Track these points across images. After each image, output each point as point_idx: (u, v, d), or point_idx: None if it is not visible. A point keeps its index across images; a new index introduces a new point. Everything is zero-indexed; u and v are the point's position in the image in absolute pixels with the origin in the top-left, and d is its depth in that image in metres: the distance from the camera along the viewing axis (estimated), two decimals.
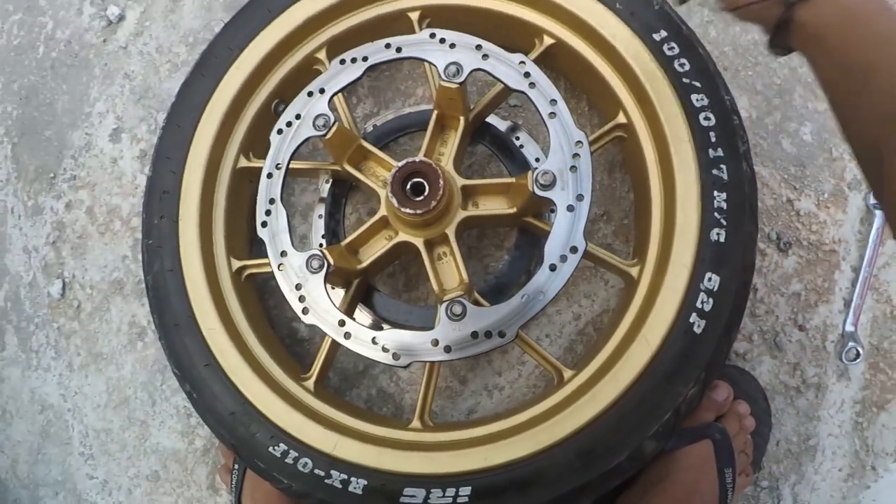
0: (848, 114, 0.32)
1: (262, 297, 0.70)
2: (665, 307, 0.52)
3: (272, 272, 0.68)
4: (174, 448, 0.72)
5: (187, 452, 0.72)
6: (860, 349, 0.66)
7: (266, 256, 0.68)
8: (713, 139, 0.53)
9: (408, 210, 0.51)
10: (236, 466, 0.64)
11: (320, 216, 0.68)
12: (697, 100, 0.54)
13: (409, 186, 0.53)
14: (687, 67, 0.55)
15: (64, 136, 0.79)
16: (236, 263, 0.61)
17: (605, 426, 0.50)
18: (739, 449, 0.60)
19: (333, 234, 0.67)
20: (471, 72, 0.53)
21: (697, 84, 0.54)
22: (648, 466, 0.56)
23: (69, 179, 0.79)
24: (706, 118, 0.54)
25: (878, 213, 0.68)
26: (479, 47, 0.54)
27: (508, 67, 0.53)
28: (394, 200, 0.52)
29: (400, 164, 0.53)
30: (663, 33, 0.56)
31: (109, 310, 0.76)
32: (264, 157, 0.63)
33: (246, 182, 0.65)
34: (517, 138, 0.66)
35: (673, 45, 0.55)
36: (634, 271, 0.56)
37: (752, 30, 0.71)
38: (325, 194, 0.68)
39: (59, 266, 0.78)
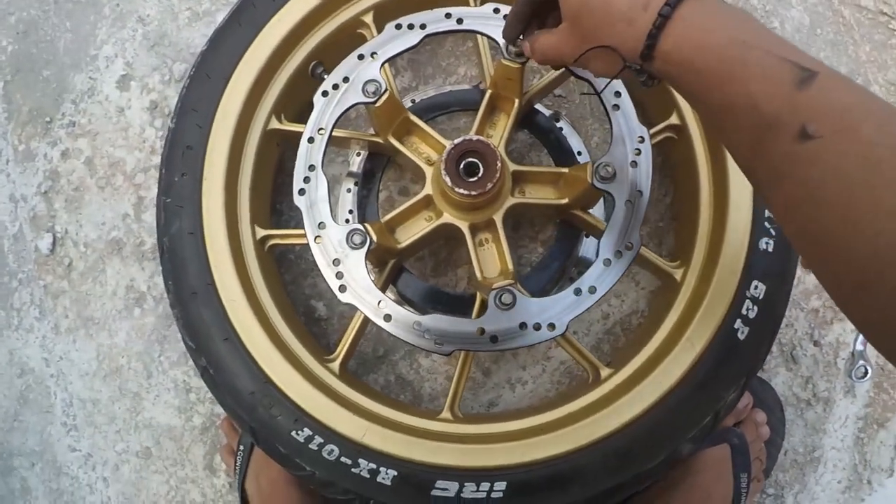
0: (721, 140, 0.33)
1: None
2: (711, 312, 0.51)
3: (296, 245, 0.65)
4: (169, 424, 0.68)
5: (184, 430, 0.68)
6: (869, 368, 0.68)
7: (290, 227, 0.65)
8: None
9: (462, 191, 0.49)
10: (241, 448, 0.61)
11: (349, 190, 0.64)
12: None
13: (462, 166, 0.50)
14: None
15: (64, 78, 0.73)
16: (261, 232, 0.57)
17: (646, 427, 0.50)
18: (755, 455, 0.61)
19: (363, 209, 0.63)
20: None
21: None
22: None
23: (67, 125, 0.72)
24: None
25: None
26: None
27: None
28: (447, 179, 0.49)
29: (456, 141, 0.50)
30: None
31: (105, 271, 0.70)
32: (296, 121, 0.59)
33: (274, 145, 0.61)
34: (561, 128, 0.64)
35: None
36: (678, 274, 0.55)
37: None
38: (354, 168, 0.65)
39: (51, 219, 0.71)
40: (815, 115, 0.26)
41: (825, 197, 0.26)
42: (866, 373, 0.68)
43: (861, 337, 0.69)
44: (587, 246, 0.63)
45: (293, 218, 0.67)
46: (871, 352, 0.69)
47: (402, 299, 0.62)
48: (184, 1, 0.72)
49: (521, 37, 0.44)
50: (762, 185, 0.30)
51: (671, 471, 0.56)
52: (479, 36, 0.56)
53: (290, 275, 0.67)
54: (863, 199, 0.25)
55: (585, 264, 0.63)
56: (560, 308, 0.48)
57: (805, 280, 0.69)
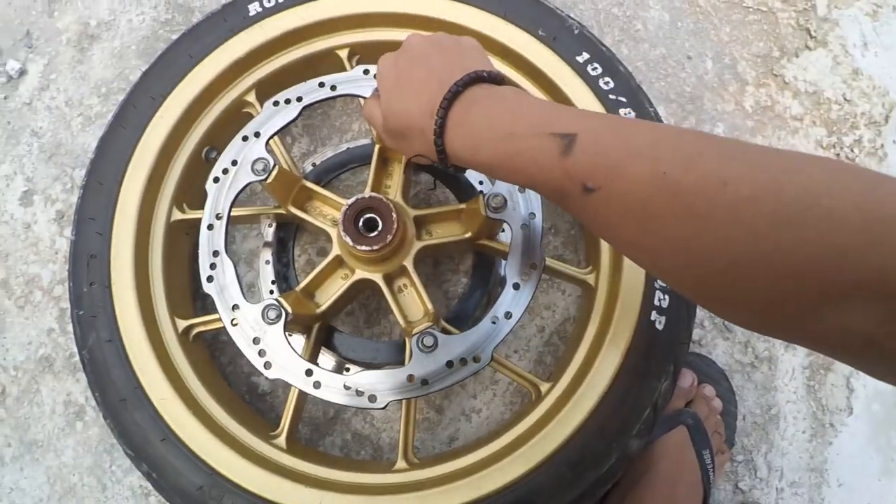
0: None
1: (212, 354, 0.65)
2: (626, 309, 0.53)
3: (223, 328, 0.65)
4: None
5: None
6: None
7: (214, 311, 0.65)
8: None
9: (364, 247, 0.50)
10: None
11: (267, 262, 0.65)
12: (626, 114, 0.57)
13: (361, 223, 0.52)
14: (612, 85, 0.58)
15: None
16: (182, 323, 0.57)
17: (590, 433, 0.51)
18: (712, 430, 0.63)
19: (284, 278, 0.64)
20: None
21: (623, 99, 0.57)
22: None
23: None
24: None
25: None
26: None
27: None
28: (348, 239, 0.50)
29: (350, 201, 0.51)
30: (585, 55, 0.58)
31: (39, 391, 0.68)
32: (199, 208, 0.59)
33: (182, 235, 0.61)
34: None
35: (596, 65, 0.58)
36: (591, 279, 0.57)
37: (660, 45, 0.76)
38: (269, 238, 0.65)
39: None
40: (588, 173, 0.30)
41: (624, 235, 0.30)
42: None
43: None
44: (506, 266, 0.65)
45: None
46: None
47: (344, 359, 0.62)
48: (74, 108, 0.73)
49: None
50: (582, 224, 0.36)
51: (633, 466, 0.58)
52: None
53: (226, 356, 0.66)
54: (649, 231, 0.29)
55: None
56: (481, 339, 0.49)
57: None
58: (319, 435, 0.65)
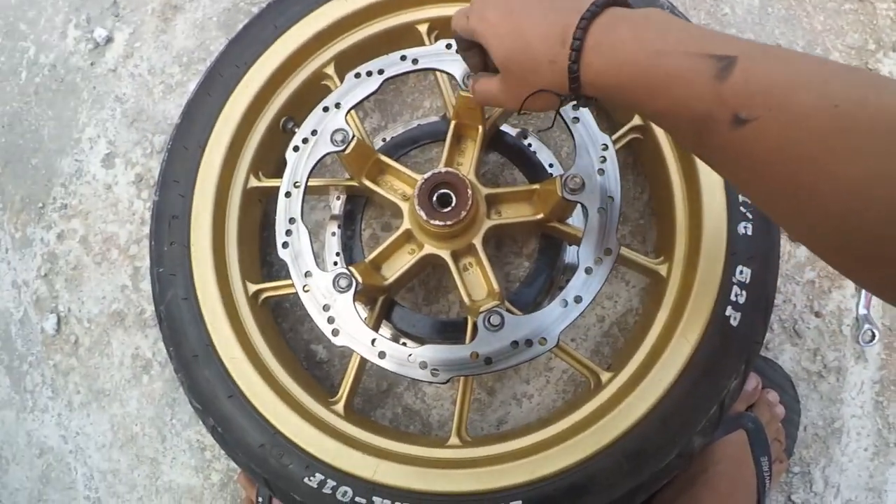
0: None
1: (275, 321, 0.67)
2: (700, 302, 0.52)
3: (289, 294, 0.67)
4: (189, 485, 0.69)
5: (203, 488, 0.68)
6: (875, 331, 0.68)
7: (281, 278, 0.66)
8: None
9: (437, 222, 0.50)
10: (260, 500, 0.61)
11: (333, 234, 0.66)
12: None
13: (435, 198, 0.52)
14: None
15: (52, 164, 0.76)
16: (252, 287, 0.58)
17: (653, 426, 0.50)
18: (772, 437, 0.61)
19: (349, 251, 0.65)
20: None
21: None
22: None
23: (60, 208, 0.75)
24: None
25: None
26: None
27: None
28: (422, 213, 0.50)
29: (426, 175, 0.51)
30: None
31: (110, 343, 0.72)
32: (274, 177, 0.61)
33: (256, 202, 0.63)
34: (529, 145, 0.65)
35: None
36: (663, 269, 0.56)
37: (748, 31, 0.72)
38: (336, 211, 0.66)
39: (53, 300, 0.73)
40: (744, 101, 0.26)
41: (777, 175, 0.26)
42: (874, 336, 0.68)
43: (863, 301, 0.69)
44: (573, 252, 0.64)
45: (284, 267, 0.69)
46: (876, 314, 0.69)
47: (401, 333, 0.63)
48: (156, 76, 0.76)
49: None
50: (716, 169, 0.31)
51: (691, 465, 0.56)
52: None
53: (287, 322, 0.68)
54: (810, 171, 0.25)
55: (573, 270, 0.64)
56: (549, 321, 0.49)
57: (796, 254, 0.69)
58: (371, 406, 0.66)
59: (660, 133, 0.57)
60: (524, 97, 0.35)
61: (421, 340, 0.62)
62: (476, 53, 0.42)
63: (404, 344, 0.62)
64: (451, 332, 0.62)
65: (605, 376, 0.54)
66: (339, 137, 0.52)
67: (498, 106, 0.40)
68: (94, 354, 0.72)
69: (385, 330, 0.63)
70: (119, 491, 0.70)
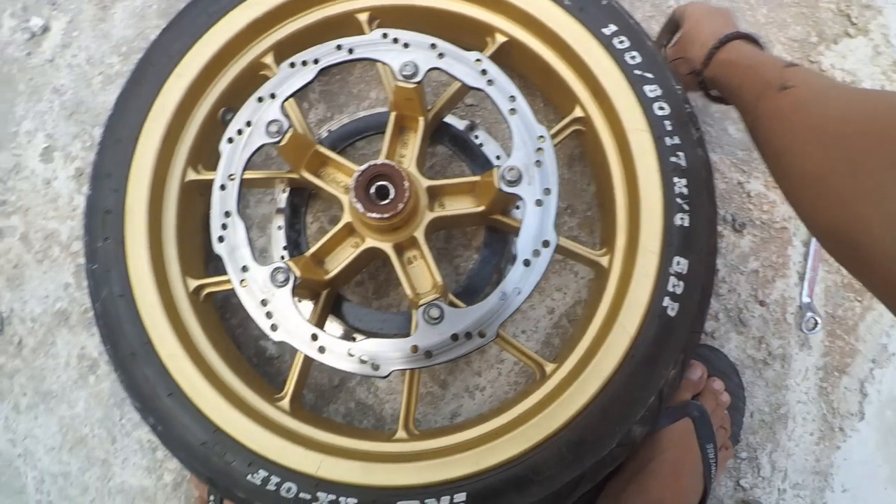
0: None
1: (223, 316, 0.66)
2: (638, 293, 0.52)
3: (233, 289, 0.66)
4: (142, 486, 0.68)
5: (156, 489, 0.68)
6: (818, 318, 0.69)
7: (225, 273, 0.65)
8: (669, 128, 0.54)
9: (374, 215, 0.49)
10: (212, 498, 0.61)
11: (279, 227, 0.65)
12: (651, 90, 0.55)
13: (373, 190, 0.51)
14: (638, 59, 0.55)
15: None
16: (193, 283, 0.57)
17: (593, 416, 0.50)
18: (718, 424, 0.62)
19: (295, 244, 0.64)
20: (427, 71, 0.52)
21: (649, 75, 0.55)
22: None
23: None
24: (660, 108, 0.55)
25: None
26: (433, 46, 0.52)
27: (465, 66, 0.52)
28: (359, 206, 0.50)
29: (362, 167, 0.51)
30: (613, 27, 0.56)
31: (55, 343, 0.70)
32: (214, 169, 0.60)
33: (196, 196, 0.61)
34: (476, 137, 0.65)
35: (623, 38, 0.56)
36: (605, 261, 0.56)
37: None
38: (282, 204, 0.65)
39: None
40: (792, 78, 0.42)
41: (802, 130, 0.37)
42: (816, 323, 0.69)
43: (807, 289, 0.70)
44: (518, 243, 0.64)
45: None
46: (819, 302, 0.71)
47: (351, 328, 0.63)
48: (95, 66, 0.73)
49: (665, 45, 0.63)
50: (760, 132, 0.43)
51: (634, 454, 0.57)
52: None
53: (236, 318, 0.67)
54: (828, 117, 0.36)
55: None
56: (487, 314, 0.49)
57: (740, 244, 0.70)
58: (324, 402, 0.66)
59: (599, 125, 0.57)
60: (680, 55, 0.58)
61: (374, 335, 0.62)
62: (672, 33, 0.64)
63: (354, 339, 0.62)
64: (401, 326, 0.62)
65: (549, 367, 0.54)
66: (274, 128, 0.51)
67: (672, 62, 0.59)
68: (39, 355, 0.70)
69: (336, 326, 0.62)
70: (71, 494, 0.69)
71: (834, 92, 0.38)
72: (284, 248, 0.64)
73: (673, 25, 0.64)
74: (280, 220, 0.65)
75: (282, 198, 0.64)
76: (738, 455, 0.69)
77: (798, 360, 0.70)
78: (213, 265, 0.67)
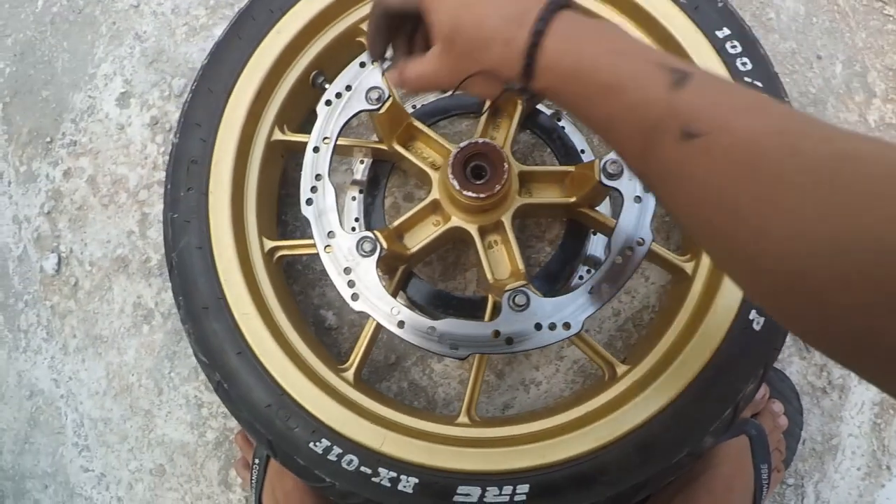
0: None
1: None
2: (725, 304, 0.51)
3: (304, 255, 0.65)
4: (182, 440, 0.67)
5: (197, 445, 0.67)
6: None
7: (296, 238, 0.65)
8: None
9: (470, 194, 0.48)
10: (256, 461, 0.60)
11: (353, 198, 0.64)
12: None
13: (468, 169, 0.50)
14: (749, 67, 0.54)
15: (64, 98, 0.72)
16: (268, 244, 0.56)
17: (666, 422, 0.49)
18: (773, 447, 0.61)
19: (368, 216, 0.63)
20: None
21: (759, 84, 0.54)
22: None
23: (68, 145, 0.72)
24: None
25: None
26: None
27: None
28: (455, 183, 0.49)
29: (462, 144, 0.49)
30: (726, 31, 0.55)
31: (111, 289, 0.70)
32: (298, 132, 0.59)
33: (278, 157, 0.61)
34: (562, 127, 0.64)
35: (735, 43, 0.55)
36: (689, 267, 0.55)
37: (790, 38, 0.71)
38: (358, 175, 0.64)
39: (55, 239, 0.71)
40: (695, 115, 0.26)
41: (717, 198, 0.25)
42: None
43: None
44: (595, 243, 0.63)
45: (298, 228, 0.67)
46: None
47: (412, 304, 0.62)
48: (180, 16, 0.72)
49: (386, 56, 0.43)
50: (655, 188, 0.29)
51: (691, 465, 0.56)
52: None
53: (298, 285, 0.67)
54: (750, 196, 0.24)
55: (593, 262, 0.63)
56: (574, 307, 0.48)
57: None
58: (377, 378, 0.65)
59: None
60: (465, 75, 0.33)
61: (433, 315, 0.61)
62: (404, 34, 0.40)
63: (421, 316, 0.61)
64: (462, 309, 0.61)
65: (620, 369, 0.53)
66: (374, 96, 0.50)
67: (431, 87, 0.36)
68: (93, 299, 0.70)
69: (399, 300, 0.61)
70: (109, 440, 0.69)
71: (765, 140, 0.24)
72: (356, 219, 0.63)
73: (394, 19, 0.38)
74: (354, 191, 0.64)
75: (359, 168, 0.64)
76: (786, 481, 0.67)
77: (856, 393, 0.69)
78: (281, 229, 0.66)
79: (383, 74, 0.47)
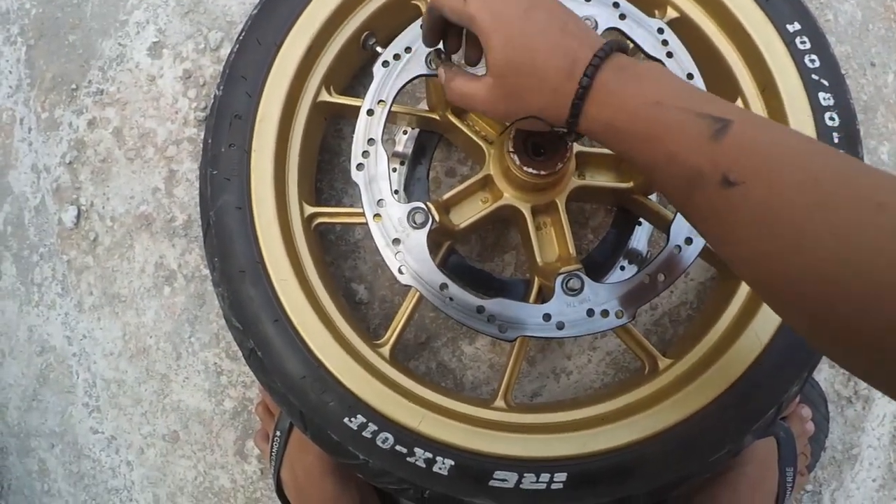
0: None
1: None
2: None
3: (341, 224, 0.63)
4: (199, 408, 0.65)
5: (213, 414, 0.65)
6: None
7: (330, 205, 0.62)
8: (836, 140, 0.52)
9: (530, 170, 0.46)
10: (278, 434, 0.58)
11: (394, 169, 0.62)
12: (825, 98, 0.52)
13: (529, 145, 0.48)
14: (817, 64, 0.53)
15: (92, 44, 0.69)
16: (308, 209, 0.54)
17: (710, 418, 0.48)
18: (800, 451, 0.61)
19: (406, 189, 0.61)
20: (606, 30, 0.48)
21: (826, 83, 0.52)
22: None
23: (95, 94, 0.69)
24: (831, 118, 0.52)
25: None
26: (616, 5, 0.49)
27: (646, 32, 0.49)
28: (515, 157, 0.47)
29: None
30: (797, 25, 0.53)
31: (133, 247, 0.67)
32: (343, 94, 0.56)
33: (321, 119, 0.58)
34: None
35: (805, 38, 0.53)
36: None
37: (846, 42, 0.70)
38: (400, 147, 0.62)
39: (75, 191, 0.68)
40: (734, 163, 0.28)
41: (756, 239, 0.27)
42: None
43: None
44: (637, 235, 0.62)
45: (333, 197, 0.65)
46: None
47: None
48: None
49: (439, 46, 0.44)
50: (697, 225, 0.32)
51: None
52: None
53: (329, 256, 0.65)
54: (787, 241, 0.26)
55: (633, 255, 0.62)
56: (629, 295, 0.46)
57: None
58: (405, 357, 0.63)
59: None
60: (514, 117, 0.36)
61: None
62: (456, 34, 0.42)
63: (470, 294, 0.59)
64: (500, 290, 0.60)
65: (663, 362, 0.52)
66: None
67: (475, 110, 0.39)
68: (113, 256, 0.67)
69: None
70: (122, 403, 0.66)
71: (794, 195, 0.26)
72: (395, 191, 0.61)
73: (438, 24, 0.40)
74: (395, 163, 0.62)
75: (402, 139, 0.61)
76: (804, 487, 0.67)
77: (879, 406, 0.69)
78: (316, 196, 0.64)
79: (429, 64, 0.46)
